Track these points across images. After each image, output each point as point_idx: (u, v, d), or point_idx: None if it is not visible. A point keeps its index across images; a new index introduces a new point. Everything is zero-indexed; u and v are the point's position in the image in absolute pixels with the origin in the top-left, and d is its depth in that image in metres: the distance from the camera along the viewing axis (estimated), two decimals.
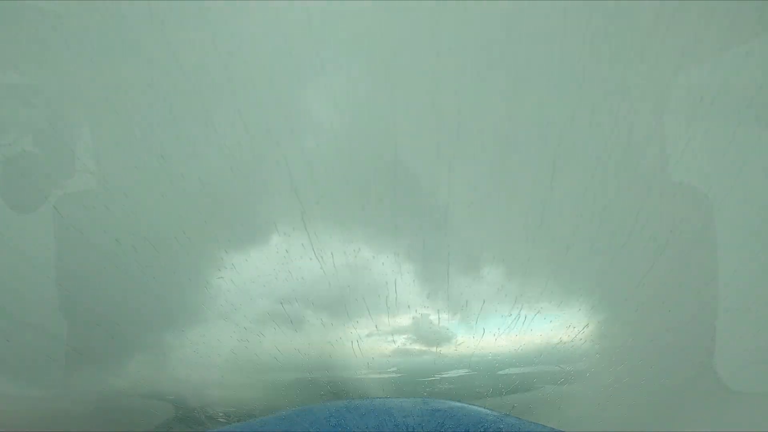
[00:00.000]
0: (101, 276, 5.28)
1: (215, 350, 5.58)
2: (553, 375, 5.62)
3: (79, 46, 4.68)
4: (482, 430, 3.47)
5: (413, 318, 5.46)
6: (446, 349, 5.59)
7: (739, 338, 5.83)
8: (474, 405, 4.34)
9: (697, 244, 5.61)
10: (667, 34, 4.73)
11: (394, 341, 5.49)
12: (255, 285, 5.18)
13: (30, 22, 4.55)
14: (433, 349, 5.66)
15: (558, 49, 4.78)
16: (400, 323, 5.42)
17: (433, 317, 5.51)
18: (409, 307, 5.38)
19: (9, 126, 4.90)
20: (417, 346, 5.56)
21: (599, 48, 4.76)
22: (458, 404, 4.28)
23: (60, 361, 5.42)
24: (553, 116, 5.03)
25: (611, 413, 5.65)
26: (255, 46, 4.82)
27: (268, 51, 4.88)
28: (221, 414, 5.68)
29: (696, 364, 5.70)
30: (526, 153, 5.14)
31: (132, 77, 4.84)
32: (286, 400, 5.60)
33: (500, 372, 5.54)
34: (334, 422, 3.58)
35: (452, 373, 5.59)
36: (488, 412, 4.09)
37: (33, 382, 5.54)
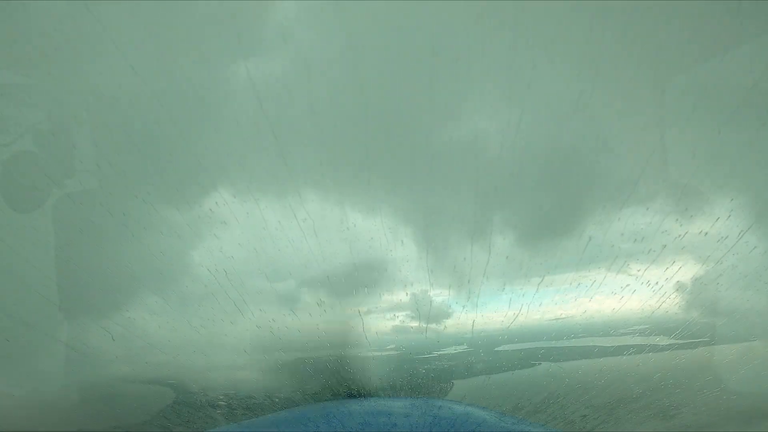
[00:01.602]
0: (97, 270, 5.30)
1: (214, 332, 5.60)
2: (550, 352, 5.67)
3: (79, 46, 4.76)
4: (482, 430, 3.53)
5: (412, 294, 5.48)
6: (445, 326, 5.59)
7: None
8: (473, 405, 4.37)
9: None
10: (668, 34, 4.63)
11: (393, 318, 5.52)
12: (246, 263, 5.04)
13: (30, 22, 4.63)
14: (432, 326, 5.67)
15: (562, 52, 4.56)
16: (399, 300, 5.44)
17: (433, 293, 5.52)
18: (408, 282, 5.36)
19: (9, 126, 4.95)
20: (416, 323, 5.59)
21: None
22: (458, 405, 4.33)
23: (60, 356, 5.41)
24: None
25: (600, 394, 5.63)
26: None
27: None
28: (221, 397, 5.68)
29: None
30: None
31: (132, 77, 4.91)
32: (286, 380, 5.60)
33: (497, 348, 5.58)
34: (335, 422, 3.62)
35: (450, 350, 5.62)
36: (487, 412, 4.13)
37: (32, 379, 5.52)
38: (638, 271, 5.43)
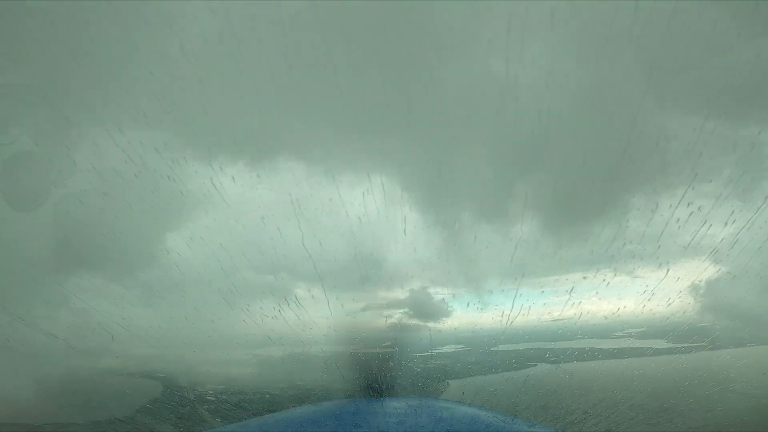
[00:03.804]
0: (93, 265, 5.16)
1: (205, 326, 5.47)
2: (547, 352, 5.58)
3: (80, 46, 4.68)
4: (482, 430, 3.45)
5: (411, 291, 5.38)
6: (443, 324, 5.51)
7: None
8: (472, 405, 4.29)
9: None
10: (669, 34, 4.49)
11: (391, 315, 5.40)
12: (237, 254, 4.87)
13: (30, 22, 4.55)
14: (430, 324, 5.59)
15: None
16: (397, 296, 5.33)
17: (432, 290, 5.44)
18: (406, 279, 5.24)
19: (9, 126, 4.86)
20: (414, 321, 5.48)
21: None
22: (459, 405, 4.25)
23: (56, 352, 5.23)
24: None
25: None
26: None
27: None
28: (210, 392, 5.52)
29: None
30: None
31: (132, 77, 4.82)
32: (278, 375, 5.46)
33: (494, 348, 5.50)
34: (335, 422, 3.54)
35: (447, 349, 5.54)
36: (486, 412, 4.06)
37: (10, 371, 5.34)
38: (644, 272, 5.35)
